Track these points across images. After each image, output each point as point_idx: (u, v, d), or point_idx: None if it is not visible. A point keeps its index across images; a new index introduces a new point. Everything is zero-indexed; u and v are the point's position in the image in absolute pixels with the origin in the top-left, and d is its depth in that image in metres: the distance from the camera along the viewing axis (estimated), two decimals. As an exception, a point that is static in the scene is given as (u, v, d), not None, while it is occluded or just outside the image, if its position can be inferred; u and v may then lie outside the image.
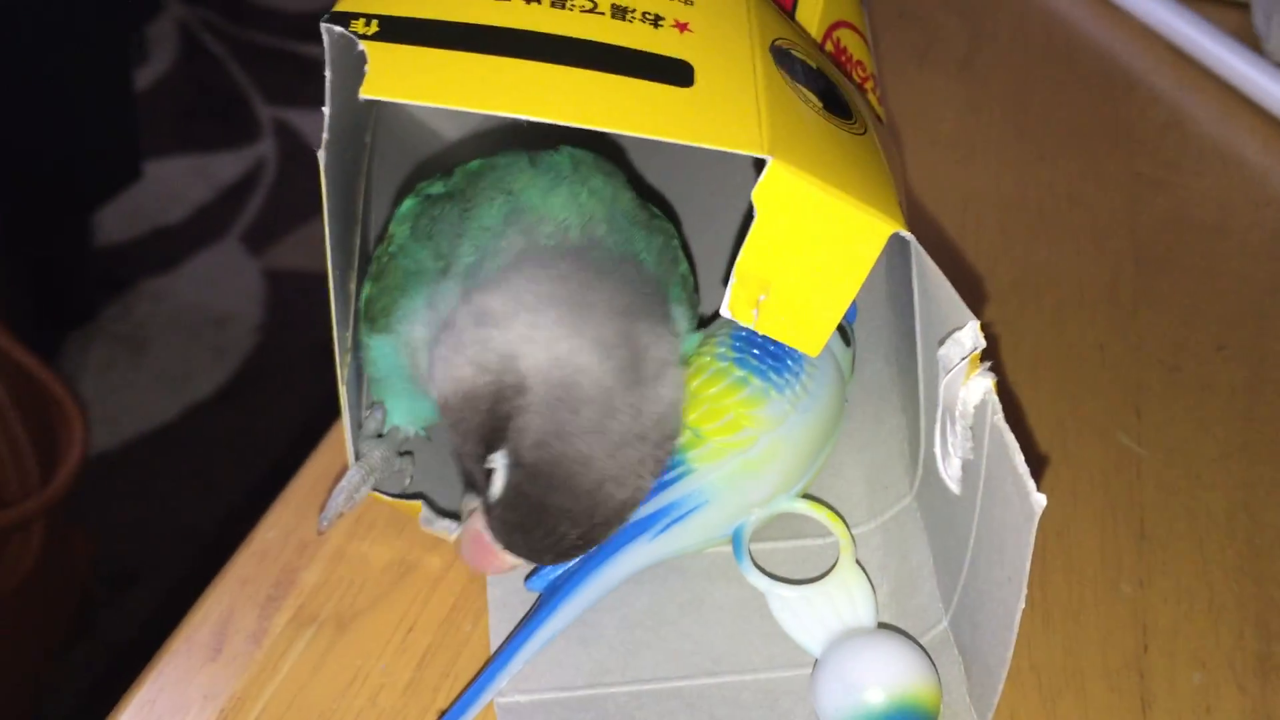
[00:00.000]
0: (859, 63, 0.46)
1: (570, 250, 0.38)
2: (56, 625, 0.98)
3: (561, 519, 0.36)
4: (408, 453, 0.42)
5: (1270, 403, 0.51)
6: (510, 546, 0.37)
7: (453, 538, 0.41)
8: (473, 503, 0.38)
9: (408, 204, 0.41)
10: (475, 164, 0.41)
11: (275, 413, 1.22)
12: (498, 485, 0.36)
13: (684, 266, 0.43)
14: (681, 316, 0.41)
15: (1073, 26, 0.71)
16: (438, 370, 0.37)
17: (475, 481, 0.37)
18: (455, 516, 0.42)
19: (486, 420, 0.36)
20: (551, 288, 0.37)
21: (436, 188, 0.41)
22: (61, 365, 1.25)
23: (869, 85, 0.47)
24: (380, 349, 0.40)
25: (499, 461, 0.36)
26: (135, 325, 1.31)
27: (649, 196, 0.44)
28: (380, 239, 0.42)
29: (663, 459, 0.38)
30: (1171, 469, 0.48)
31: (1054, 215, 0.60)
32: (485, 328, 0.36)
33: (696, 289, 0.43)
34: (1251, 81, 0.66)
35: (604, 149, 0.43)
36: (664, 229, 0.42)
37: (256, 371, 1.28)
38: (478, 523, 0.37)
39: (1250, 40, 0.68)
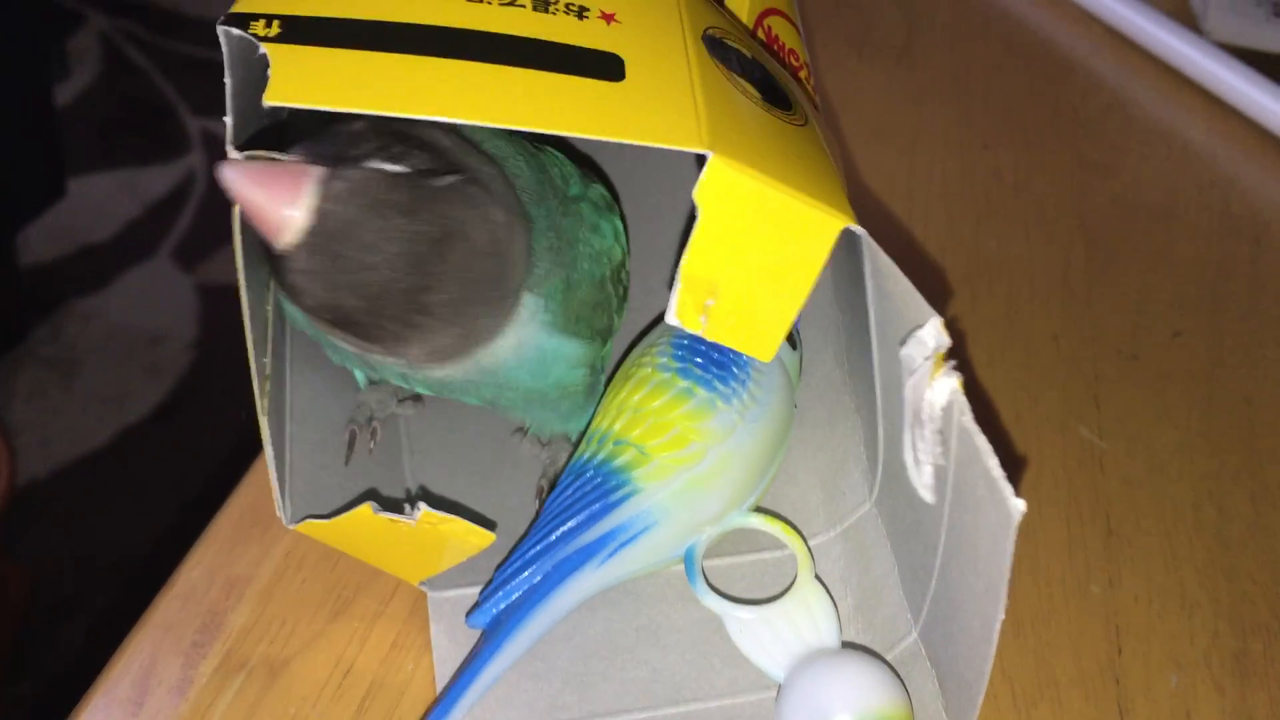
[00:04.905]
0: (792, 51, 0.45)
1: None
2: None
3: (384, 241, 0.31)
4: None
5: (1229, 388, 0.50)
6: (329, 215, 0.31)
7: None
8: (296, 153, 0.32)
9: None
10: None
11: (215, 431, 1.19)
12: (379, 164, 0.32)
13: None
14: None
15: (1010, 11, 0.70)
16: None
17: (331, 147, 0.32)
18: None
19: (417, 140, 0.33)
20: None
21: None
22: (-11, 394, 1.21)
23: (803, 74, 0.45)
24: None
25: (404, 157, 0.32)
26: (65, 347, 1.27)
27: None
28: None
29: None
30: (1134, 461, 0.47)
31: (1001, 204, 0.58)
32: None
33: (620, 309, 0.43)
34: (1191, 61, 0.65)
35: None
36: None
37: (193, 390, 1.25)
38: (301, 163, 0.32)
39: (1188, 20, 0.67)
